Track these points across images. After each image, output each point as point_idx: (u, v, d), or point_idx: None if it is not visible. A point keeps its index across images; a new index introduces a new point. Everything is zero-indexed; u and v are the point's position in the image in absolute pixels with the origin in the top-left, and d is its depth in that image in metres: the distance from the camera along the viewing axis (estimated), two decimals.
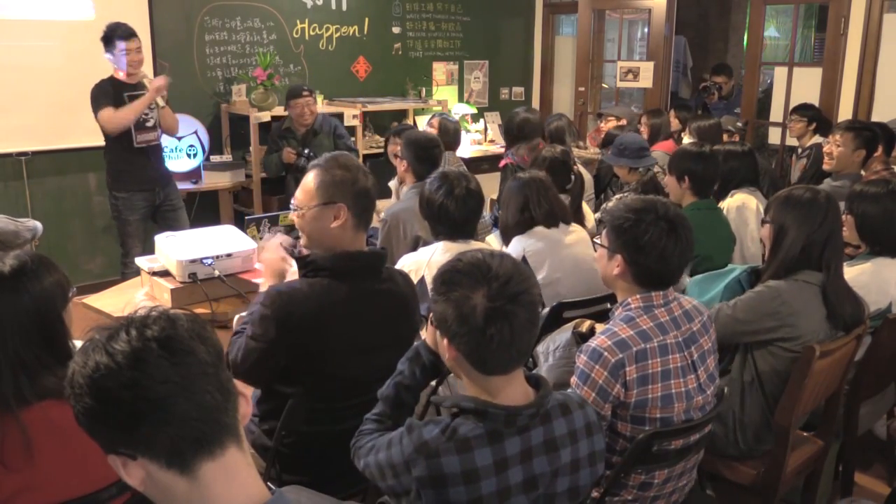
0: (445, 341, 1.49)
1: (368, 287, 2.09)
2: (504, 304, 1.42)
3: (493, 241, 3.75)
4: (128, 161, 4.21)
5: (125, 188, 4.25)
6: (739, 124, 5.43)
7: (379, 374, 2.10)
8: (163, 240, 2.92)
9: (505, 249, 3.07)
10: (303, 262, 2.07)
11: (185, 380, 0.95)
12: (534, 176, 3.08)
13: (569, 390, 1.94)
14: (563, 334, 2.44)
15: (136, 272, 4.37)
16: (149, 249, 4.53)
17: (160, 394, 0.93)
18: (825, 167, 4.09)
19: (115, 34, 4.04)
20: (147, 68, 4.99)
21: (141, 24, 4.68)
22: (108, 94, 4.06)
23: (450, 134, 4.87)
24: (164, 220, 4.42)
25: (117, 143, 4.16)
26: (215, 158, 5.48)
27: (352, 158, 2.16)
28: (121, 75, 4.14)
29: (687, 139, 4.96)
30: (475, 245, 2.70)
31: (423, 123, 6.50)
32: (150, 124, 4.24)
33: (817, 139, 4.97)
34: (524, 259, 2.95)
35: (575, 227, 3.12)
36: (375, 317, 2.09)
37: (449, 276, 1.48)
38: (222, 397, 0.98)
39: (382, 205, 4.80)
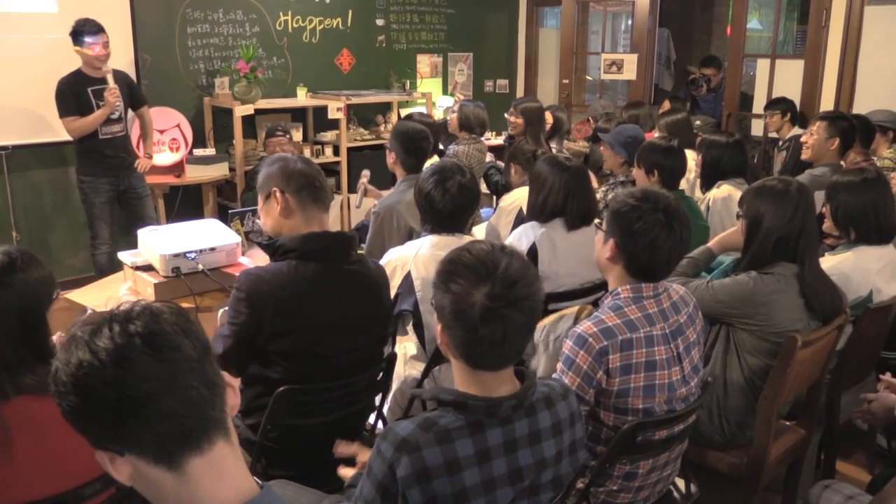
0: (439, 327, 1.48)
1: (337, 267, 2.12)
2: (503, 306, 1.40)
3: (478, 234, 3.75)
4: (93, 149, 4.42)
5: (90, 173, 4.48)
6: (699, 122, 5.43)
7: (354, 356, 2.13)
8: (146, 234, 2.89)
9: (509, 239, 3.05)
10: (271, 247, 2.12)
11: (170, 376, 0.93)
12: (580, 167, 2.99)
13: (553, 375, 1.95)
14: (563, 323, 2.42)
15: (105, 254, 4.47)
16: (116, 232, 4.59)
17: (145, 391, 0.91)
18: (803, 156, 4.15)
19: (83, 30, 4.18)
20: (129, 62, 4.97)
21: (122, 18, 4.65)
22: (72, 94, 4.24)
23: (471, 120, 4.77)
24: (129, 207, 4.65)
25: (85, 134, 4.38)
26: (198, 152, 5.43)
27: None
28: (87, 70, 4.30)
29: (657, 133, 4.98)
30: (466, 239, 2.64)
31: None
32: (115, 116, 4.41)
33: (797, 131, 5.01)
34: (533, 245, 2.89)
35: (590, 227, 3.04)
36: (344, 296, 2.12)
37: (454, 266, 1.45)
38: (209, 392, 0.97)
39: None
